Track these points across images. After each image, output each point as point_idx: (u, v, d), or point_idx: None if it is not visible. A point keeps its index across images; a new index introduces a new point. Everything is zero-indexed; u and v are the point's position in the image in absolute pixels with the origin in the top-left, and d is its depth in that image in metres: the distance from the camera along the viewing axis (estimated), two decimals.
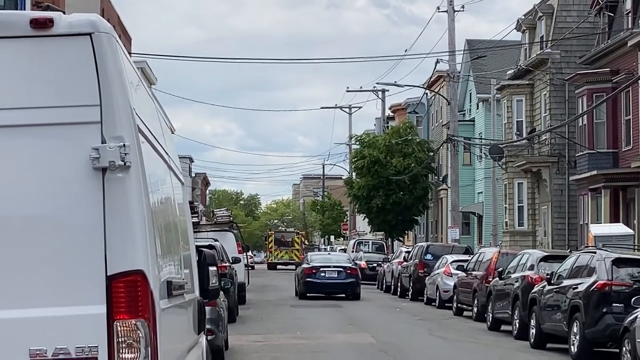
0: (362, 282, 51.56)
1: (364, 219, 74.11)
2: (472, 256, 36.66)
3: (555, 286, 22.86)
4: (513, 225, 50.04)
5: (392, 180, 64.32)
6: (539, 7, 48.82)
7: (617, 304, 20.40)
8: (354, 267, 42.17)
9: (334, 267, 40.86)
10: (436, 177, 70.17)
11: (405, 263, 44.40)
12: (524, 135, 48.23)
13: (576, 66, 44.98)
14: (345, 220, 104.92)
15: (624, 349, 18.41)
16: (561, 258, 25.15)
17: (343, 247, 77.50)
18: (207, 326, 13.27)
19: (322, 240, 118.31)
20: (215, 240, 29.71)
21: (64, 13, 5.83)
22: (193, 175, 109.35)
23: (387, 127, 76.11)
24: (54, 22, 5.69)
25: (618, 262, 21.04)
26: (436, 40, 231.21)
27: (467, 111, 68.31)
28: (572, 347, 21.35)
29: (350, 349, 22.35)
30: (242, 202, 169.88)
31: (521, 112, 49.81)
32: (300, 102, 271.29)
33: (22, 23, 5.69)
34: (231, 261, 31.35)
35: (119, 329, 5.53)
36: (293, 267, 65.25)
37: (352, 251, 62.75)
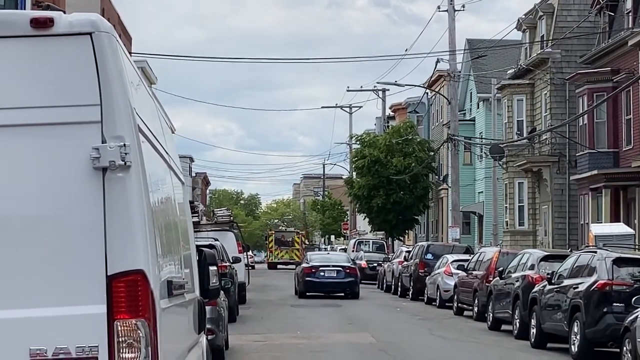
0: (362, 281, 51.66)
1: (364, 218, 74.11)
2: (472, 256, 36.65)
3: (556, 286, 22.86)
4: (513, 224, 50.04)
5: (393, 180, 64.32)
6: (539, 7, 48.82)
7: (617, 304, 20.40)
8: (353, 266, 42.40)
9: (333, 266, 41.12)
10: (437, 177, 70.19)
11: (405, 263, 44.40)
12: (525, 135, 48.22)
13: (577, 66, 44.98)
14: (345, 219, 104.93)
15: (625, 348, 18.40)
16: (562, 258, 25.14)
17: (343, 247, 77.50)
18: (208, 326, 13.27)
19: (323, 240, 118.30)
20: (216, 239, 29.70)
21: (64, 12, 5.82)
22: (193, 174, 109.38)
23: (388, 126, 76.15)
24: (54, 22, 5.69)
25: (619, 262, 21.04)
26: (436, 39, 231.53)
27: (468, 111, 68.32)
28: (572, 346, 21.35)
29: (350, 349, 22.35)
30: (242, 201, 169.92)
31: (522, 112, 49.82)
32: (300, 102, 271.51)
33: (23, 22, 5.69)
34: (231, 261, 31.37)
35: (119, 328, 5.53)
36: (293, 266, 65.22)
37: (353, 251, 62.74)
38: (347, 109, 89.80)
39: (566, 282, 22.42)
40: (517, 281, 26.54)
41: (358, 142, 70.92)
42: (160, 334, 5.68)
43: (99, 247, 5.55)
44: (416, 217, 68.93)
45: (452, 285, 35.47)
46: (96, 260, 5.54)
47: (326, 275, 40.74)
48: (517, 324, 25.72)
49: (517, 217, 49.98)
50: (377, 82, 71.67)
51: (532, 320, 24.02)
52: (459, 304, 34.01)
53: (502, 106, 51.09)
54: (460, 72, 55.69)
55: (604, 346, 20.97)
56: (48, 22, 5.68)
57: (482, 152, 59.29)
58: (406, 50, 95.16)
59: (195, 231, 12.62)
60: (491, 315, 28.64)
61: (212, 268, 8.98)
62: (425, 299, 39.63)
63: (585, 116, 41.11)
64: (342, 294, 41.04)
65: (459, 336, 26.04)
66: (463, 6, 50.05)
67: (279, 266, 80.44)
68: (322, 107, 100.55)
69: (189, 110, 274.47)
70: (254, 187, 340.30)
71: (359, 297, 41.05)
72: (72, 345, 5.48)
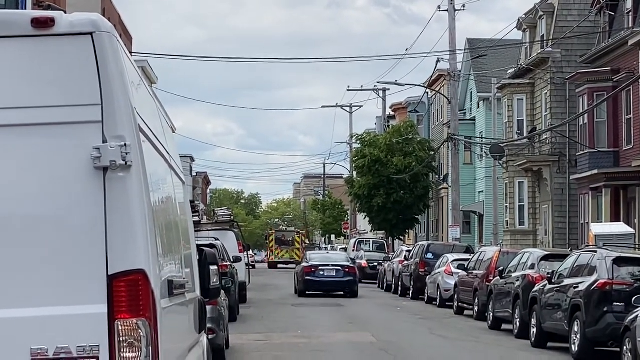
0: (363, 281, 51.76)
1: (364, 218, 74.11)
2: (472, 255, 36.65)
3: (556, 285, 22.87)
4: (514, 224, 50.05)
5: (393, 179, 64.33)
6: (539, 6, 48.82)
7: (617, 303, 20.41)
8: (352, 265, 42.81)
9: (333, 265, 41.55)
10: (437, 176, 70.18)
11: (406, 262, 44.41)
12: (525, 135, 48.23)
13: (577, 65, 44.98)
14: (346, 219, 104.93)
15: (625, 348, 18.41)
16: (562, 257, 25.15)
17: (344, 247, 77.50)
18: (208, 325, 13.27)
19: (323, 239, 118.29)
20: (216, 239, 29.71)
21: (65, 12, 5.83)
22: (194, 174, 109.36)
23: (388, 126, 76.17)
24: (55, 22, 5.69)
25: (619, 261, 21.05)
26: (437, 39, 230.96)
27: (468, 110, 68.32)
28: (572, 346, 21.35)
29: (351, 348, 22.35)
30: (243, 201, 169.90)
31: (522, 111, 49.83)
32: (301, 102, 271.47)
33: (24, 22, 5.69)
34: (232, 260, 31.37)
35: (120, 328, 5.53)
36: (294, 266, 65.26)
37: (353, 250, 62.78)
38: (348, 109, 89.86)
39: (566, 281, 22.43)
40: (517, 281, 26.55)
41: (358, 142, 70.94)
42: (161, 333, 5.68)
43: (100, 247, 5.55)
44: (416, 217, 68.93)
45: (452, 284, 35.47)
46: (97, 259, 5.55)
47: (325, 274, 41.13)
48: (518, 324, 25.72)
49: (517, 216, 49.99)
50: (378, 82, 71.80)
51: (533, 319, 24.03)
52: (460, 304, 34.01)
53: (503, 106, 51.10)
54: (460, 71, 55.69)
55: (604, 345, 20.98)
56: (49, 22, 5.68)
57: (482, 151, 59.30)
58: (406, 50, 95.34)
59: (195, 231, 12.65)
60: (491, 314, 28.64)
61: (213, 267, 8.98)
62: (426, 298, 39.64)
63: (586, 116, 41.12)
64: (342, 293, 41.28)
65: (460, 335, 26.05)
66: (463, 6, 50.09)
67: (279, 265, 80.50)
68: (323, 107, 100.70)
69: (189, 110, 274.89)
70: (254, 186, 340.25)
71: (357, 295, 41.29)
72: (73, 345, 5.48)
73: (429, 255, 42.09)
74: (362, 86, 79.83)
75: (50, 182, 5.59)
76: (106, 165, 5.57)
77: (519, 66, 50.73)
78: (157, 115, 7.48)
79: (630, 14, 41.07)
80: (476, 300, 31.48)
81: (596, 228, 31.91)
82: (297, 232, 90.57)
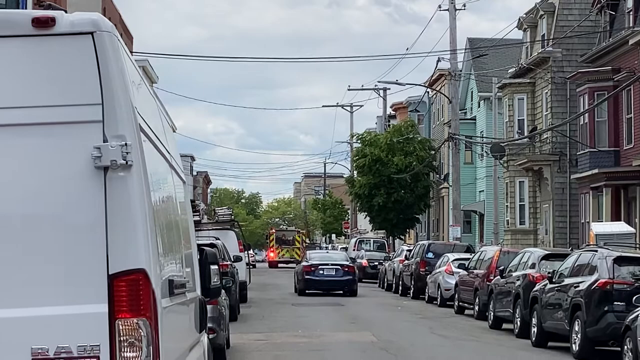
0: (363, 280, 51.82)
1: (365, 217, 74.09)
2: (473, 255, 36.65)
3: (557, 285, 22.87)
4: (514, 223, 50.04)
5: (394, 179, 64.33)
6: (540, 6, 48.81)
7: (618, 303, 20.41)
8: (351, 265, 43.24)
9: (332, 264, 41.99)
10: (437, 176, 70.17)
11: (406, 261, 44.40)
12: (526, 134, 48.23)
13: (577, 64, 44.98)
14: (346, 218, 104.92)
15: (626, 347, 18.42)
16: (562, 256, 25.15)
17: (345, 246, 77.52)
18: (209, 325, 13.27)
19: (324, 238, 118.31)
20: (217, 238, 29.72)
21: (65, 12, 5.83)
22: (194, 173, 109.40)
23: (389, 125, 76.14)
24: (56, 21, 5.69)
25: (619, 261, 21.05)
26: (437, 38, 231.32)
27: (469, 109, 68.31)
28: (573, 345, 21.36)
29: (351, 348, 22.35)
30: (243, 200, 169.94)
31: (522, 111, 49.82)
32: (301, 101, 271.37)
33: (24, 22, 5.69)
34: (233, 260, 31.38)
35: (120, 327, 5.53)
36: (294, 265, 65.29)
37: (354, 249, 62.77)
38: (348, 108, 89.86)
39: (567, 281, 22.43)
40: (518, 280, 26.55)
41: (359, 141, 70.93)
42: (161, 333, 5.68)
43: (101, 246, 5.55)
44: (417, 216, 68.93)
45: (453, 284, 35.47)
46: (97, 259, 5.54)
47: (325, 273, 41.59)
48: (518, 323, 25.73)
49: (518, 216, 49.99)
50: (378, 81, 71.78)
51: (533, 319, 24.03)
52: (460, 303, 34.02)
53: (503, 105, 51.09)
54: (461, 71, 55.68)
55: (604, 345, 20.99)
56: (50, 22, 5.68)
57: (483, 151, 59.31)
58: (407, 50, 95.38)
59: (196, 230, 12.65)
60: (492, 314, 28.64)
61: (214, 267, 8.98)
62: (426, 297, 39.64)
63: (586, 115, 41.11)
64: (341, 292, 41.61)
65: (460, 335, 26.05)
66: (464, 5, 50.10)
67: (279, 265, 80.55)
68: (323, 106, 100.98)
69: (190, 109, 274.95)
70: (255, 186, 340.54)
71: (357, 294, 41.61)
72: (74, 344, 5.48)
73: (430, 255, 42.10)
74: (362, 85, 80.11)
75: (51, 182, 5.59)
76: (107, 165, 5.57)
77: (520, 65, 50.72)
78: (157, 114, 7.48)
79: (631, 13, 41.05)
80: (477, 300, 31.49)
81: (597, 227, 31.91)
82: (298, 231, 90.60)
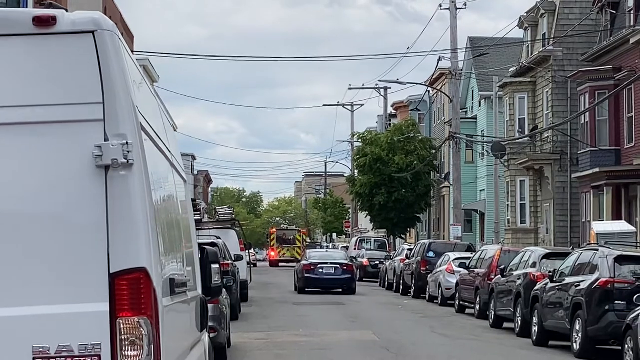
0: (364, 279, 51.88)
1: (366, 216, 74.10)
2: (474, 254, 36.65)
3: (558, 284, 22.87)
4: (515, 222, 50.04)
5: (395, 178, 64.34)
6: (541, 5, 48.80)
7: (619, 302, 20.41)
8: (350, 263, 43.91)
9: (331, 263, 42.64)
10: (438, 175, 70.18)
11: (407, 260, 44.40)
12: (526, 133, 48.24)
13: (578, 63, 44.98)
14: (347, 217, 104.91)
15: (627, 346, 18.42)
16: (563, 256, 25.16)
17: (345, 245, 77.54)
18: (210, 324, 13.28)
19: (325, 238, 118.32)
20: (218, 237, 29.73)
21: (66, 11, 5.82)
22: (195, 172, 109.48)
23: (390, 124, 76.13)
24: (57, 20, 5.68)
25: (620, 260, 21.05)
26: (438, 37, 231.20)
27: (470, 109, 68.31)
28: (574, 344, 21.36)
29: (352, 346, 22.36)
30: (244, 199, 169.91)
31: (523, 110, 49.82)
32: (302, 100, 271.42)
33: (25, 21, 5.69)
34: (233, 259, 31.38)
35: (122, 326, 5.53)
36: (295, 264, 65.34)
37: (355, 249, 62.78)
38: (349, 107, 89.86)
39: (568, 280, 22.42)
40: (518, 279, 26.55)
41: (360, 140, 70.96)
42: (162, 331, 5.68)
43: (102, 245, 5.55)
44: (418, 215, 68.94)
45: (453, 283, 35.47)
46: (99, 258, 5.54)
47: (324, 272, 42.21)
48: (519, 322, 25.72)
49: (518, 215, 49.99)
50: (379, 80, 71.70)
51: (534, 318, 24.03)
52: (461, 302, 34.02)
53: (504, 104, 51.09)
54: (462, 70, 55.67)
55: (605, 344, 21.00)
56: (51, 21, 5.67)
57: (483, 150, 59.28)
58: (408, 49, 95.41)
59: (197, 229, 12.63)
60: (493, 313, 28.64)
61: (215, 266, 8.98)
62: (427, 296, 39.65)
63: (587, 114, 41.12)
64: (340, 290, 42.02)
65: (461, 334, 26.05)
66: (465, 4, 50.06)
67: (280, 264, 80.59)
68: (324, 105, 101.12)
69: (191, 108, 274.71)
70: (255, 185, 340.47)
71: (355, 292, 42.08)
72: (75, 343, 5.48)
73: (431, 254, 42.09)
74: (363, 85, 79.99)
75: (52, 181, 5.59)
76: (108, 164, 5.57)
77: (521, 64, 50.72)
78: (158, 113, 7.47)
79: (632, 12, 41.05)
80: (477, 299, 31.49)
81: (598, 226, 31.91)
82: (299, 230, 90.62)
